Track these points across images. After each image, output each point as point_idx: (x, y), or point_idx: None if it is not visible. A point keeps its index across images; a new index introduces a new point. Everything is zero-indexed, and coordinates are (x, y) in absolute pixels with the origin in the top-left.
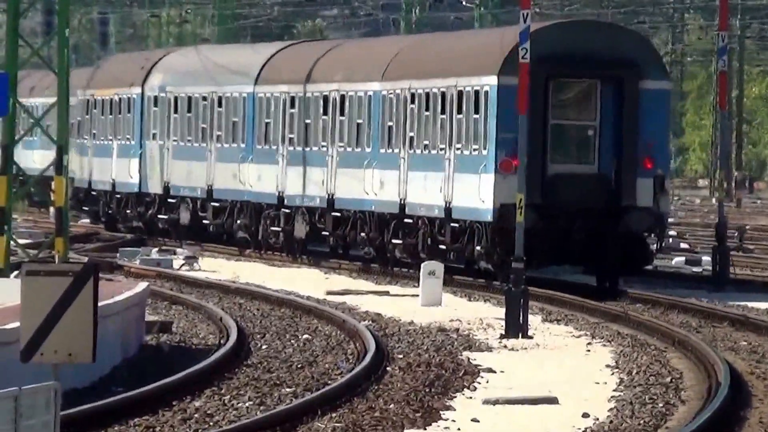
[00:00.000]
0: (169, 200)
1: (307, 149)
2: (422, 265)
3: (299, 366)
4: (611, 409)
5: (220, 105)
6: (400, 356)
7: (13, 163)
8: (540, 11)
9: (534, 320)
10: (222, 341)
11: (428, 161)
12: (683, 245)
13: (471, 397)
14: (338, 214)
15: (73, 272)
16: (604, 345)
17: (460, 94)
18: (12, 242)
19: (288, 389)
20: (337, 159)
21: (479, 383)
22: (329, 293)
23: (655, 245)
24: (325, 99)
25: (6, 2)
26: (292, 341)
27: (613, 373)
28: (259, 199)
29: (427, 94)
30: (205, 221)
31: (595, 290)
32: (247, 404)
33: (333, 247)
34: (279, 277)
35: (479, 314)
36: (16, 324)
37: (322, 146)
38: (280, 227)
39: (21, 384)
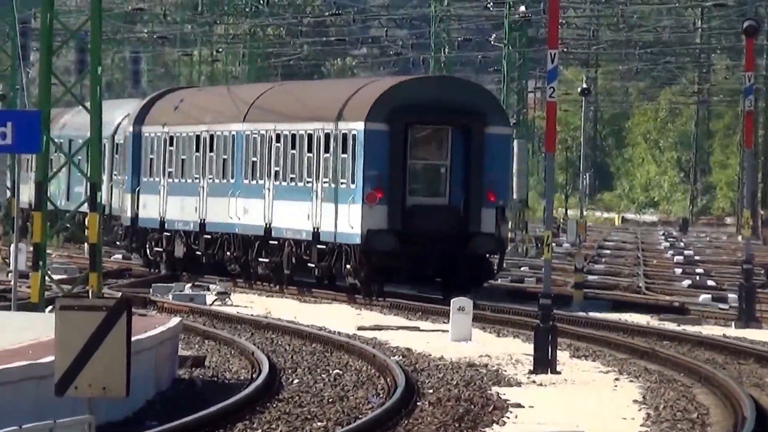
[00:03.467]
0: None
1: (183, 181)
2: (452, 301)
3: (330, 400)
4: None
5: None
6: (430, 391)
7: (47, 199)
8: (567, 50)
9: (562, 356)
10: (254, 376)
11: (295, 192)
12: (710, 282)
13: None
14: (209, 237)
15: (106, 307)
16: (632, 381)
17: (327, 136)
18: (46, 277)
19: (319, 423)
20: (207, 189)
21: (508, 418)
22: (360, 329)
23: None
24: (198, 138)
25: (39, 41)
26: (323, 376)
27: (640, 409)
28: (144, 224)
29: (293, 135)
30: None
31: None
32: None
33: (207, 264)
34: (310, 312)
35: (508, 350)
36: (51, 358)
37: (195, 178)
38: (163, 248)
39: (56, 417)
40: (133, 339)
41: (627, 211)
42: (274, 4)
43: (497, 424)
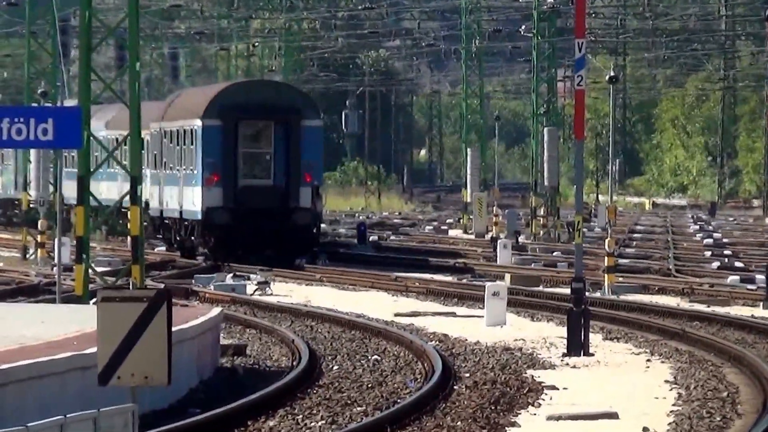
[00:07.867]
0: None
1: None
2: (487, 286)
3: (369, 386)
4: (670, 423)
5: None
6: (467, 375)
7: (89, 193)
8: (596, 39)
9: (595, 338)
10: (294, 363)
11: (172, 178)
12: (738, 264)
13: (535, 414)
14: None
15: (146, 298)
16: (663, 361)
17: (183, 132)
18: (90, 270)
19: (359, 408)
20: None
21: (543, 400)
22: (397, 315)
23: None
24: (117, 138)
25: (79, 39)
26: (362, 362)
27: (671, 389)
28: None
29: (169, 132)
30: None
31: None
32: (319, 423)
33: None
34: (349, 300)
35: (542, 333)
36: (95, 349)
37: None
38: None
39: (100, 407)
40: (175, 329)
41: (657, 195)
42: None
43: (532, 405)
